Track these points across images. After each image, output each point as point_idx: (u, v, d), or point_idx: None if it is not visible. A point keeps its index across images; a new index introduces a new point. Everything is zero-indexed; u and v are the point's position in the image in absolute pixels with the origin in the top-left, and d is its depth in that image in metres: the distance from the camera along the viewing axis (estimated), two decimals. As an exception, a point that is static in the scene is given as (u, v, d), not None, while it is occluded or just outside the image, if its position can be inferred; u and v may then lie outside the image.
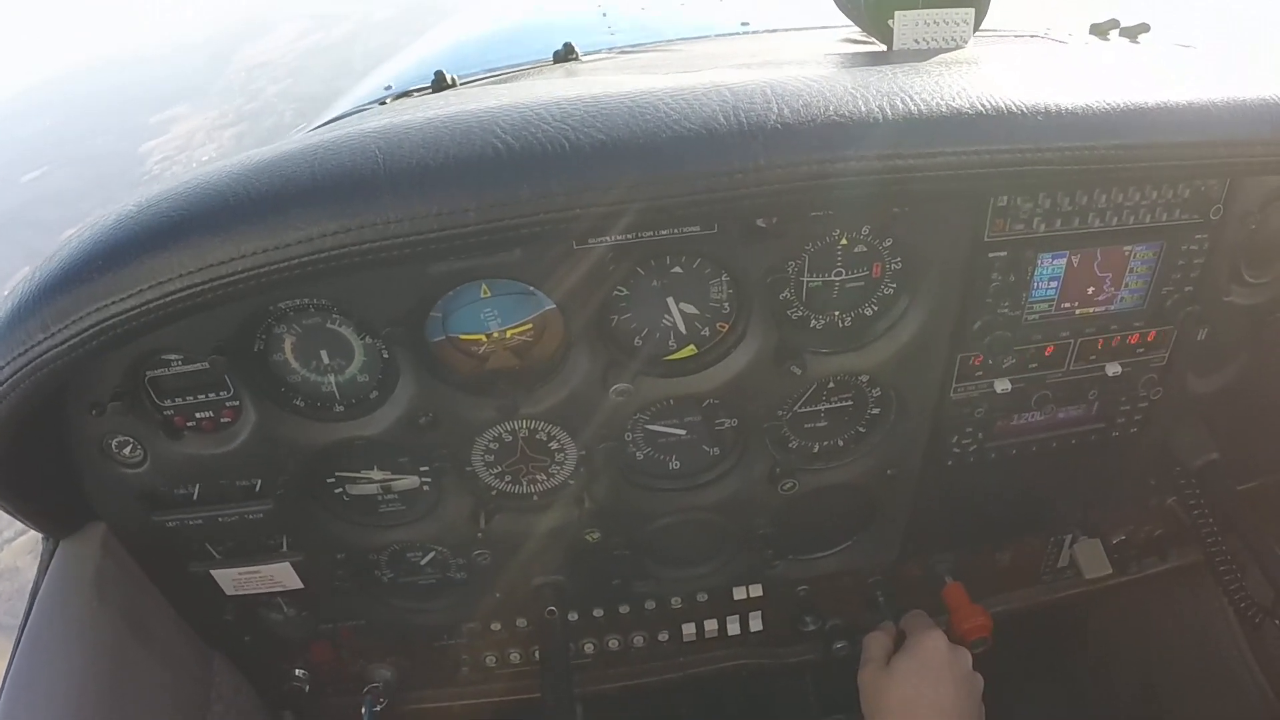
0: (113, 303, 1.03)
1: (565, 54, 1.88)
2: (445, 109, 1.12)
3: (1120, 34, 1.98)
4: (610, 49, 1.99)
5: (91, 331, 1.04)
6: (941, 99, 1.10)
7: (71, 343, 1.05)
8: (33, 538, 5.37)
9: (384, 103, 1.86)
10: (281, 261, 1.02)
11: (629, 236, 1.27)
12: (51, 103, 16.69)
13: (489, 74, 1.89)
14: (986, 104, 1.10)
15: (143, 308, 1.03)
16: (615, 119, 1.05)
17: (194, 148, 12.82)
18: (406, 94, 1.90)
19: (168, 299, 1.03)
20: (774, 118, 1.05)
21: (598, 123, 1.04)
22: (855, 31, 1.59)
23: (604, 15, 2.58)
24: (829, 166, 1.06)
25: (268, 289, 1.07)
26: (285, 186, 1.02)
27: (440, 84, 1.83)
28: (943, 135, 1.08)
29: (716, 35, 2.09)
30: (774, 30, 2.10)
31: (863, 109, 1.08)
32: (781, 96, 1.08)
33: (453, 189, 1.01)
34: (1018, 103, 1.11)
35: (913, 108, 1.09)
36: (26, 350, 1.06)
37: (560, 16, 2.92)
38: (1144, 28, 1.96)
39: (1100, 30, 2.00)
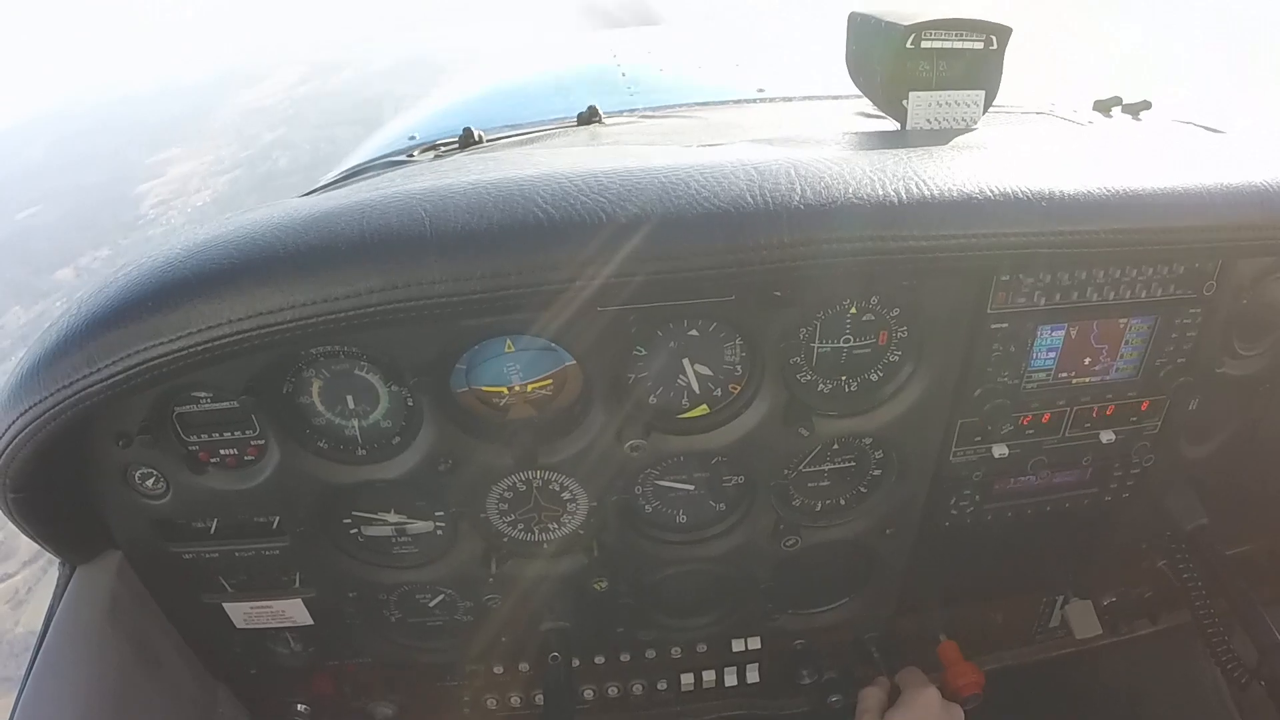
0: (160, 344, 1.06)
1: (589, 116, 1.95)
2: (484, 174, 1.17)
3: (1123, 110, 2.05)
4: (631, 111, 2.05)
5: (136, 370, 1.08)
6: (953, 184, 1.17)
7: (115, 379, 1.08)
8: (12, 586, 5.41)
9: (410, 155, 1.91)
10: (328, 314, 1.06)
11: (654, 302, 1.32)
12: (47, 136, 16.65)
13: (514, 131, 1.95)
14: (994, 190, 1.17)
15: (189, 350, 1.07)
16: (649, 194, 1.11)
17: (189, 193, 12.68)
18: (433, 146, 1.95)
19: (214, 343, 1.07)
20: (797, 198, 1.12)
21: (633, 197, 1.10)
22: (869, 105, 1.66)
23: (624, 75, 2.64)
24: (848, 245, 1.12)
25: (309, 338, 1.11)
26: (335, 242, 1.07)
27: (468, 140, 1.89)
28: (953, 219, 1.15)
29: (735, 101, 2.15)
30: (789, 99, 2.16)
31: (880, 192, 1.14)
32: (804, 178, 1.14)
33: (496, 255, 1.06)
34: (1023, 188, 1.18)
35: (926, 192, 1.15)
36: (71, 384, 1.09)
37: (581, 75, 2.98)
38: (1145, 105, 2.02)
39: (1103, 107, 2.07)
